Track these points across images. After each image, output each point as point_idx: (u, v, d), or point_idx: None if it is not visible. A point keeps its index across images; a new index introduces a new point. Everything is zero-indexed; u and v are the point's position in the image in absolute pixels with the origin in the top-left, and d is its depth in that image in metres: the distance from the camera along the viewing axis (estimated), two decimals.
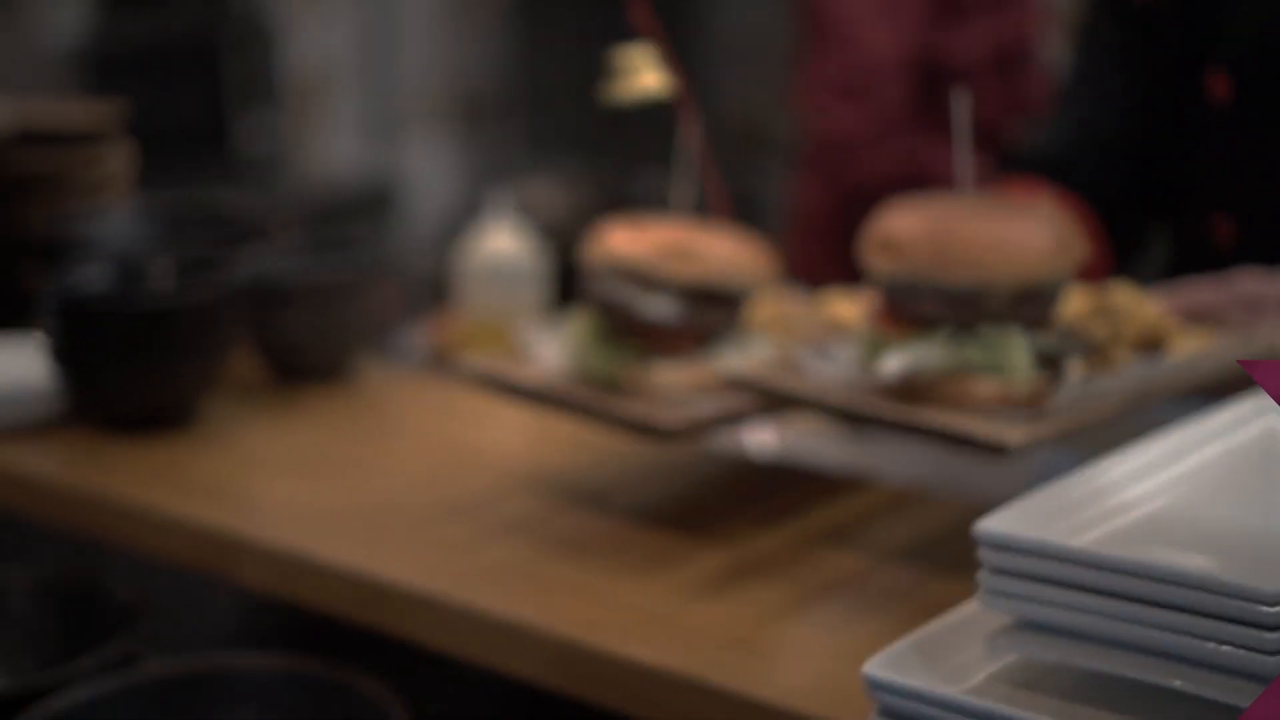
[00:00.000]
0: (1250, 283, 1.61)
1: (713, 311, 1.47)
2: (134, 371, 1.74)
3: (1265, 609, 0.87)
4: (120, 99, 2.24)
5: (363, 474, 1.65)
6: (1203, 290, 1.62)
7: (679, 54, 1.55)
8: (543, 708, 1.42)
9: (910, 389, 1.35)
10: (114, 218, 2.10)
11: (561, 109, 5.51)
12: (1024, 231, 1.34)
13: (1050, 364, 1.34)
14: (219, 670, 1.39)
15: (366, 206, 5.02)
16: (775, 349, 1.52)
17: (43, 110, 2.20)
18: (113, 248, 1.96)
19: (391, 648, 1.42)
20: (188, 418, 1.81)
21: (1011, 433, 1.27)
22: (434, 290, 4.41)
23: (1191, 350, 1.48)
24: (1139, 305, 1.52)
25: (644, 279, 1.45)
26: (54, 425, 1.81)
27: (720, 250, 1.47)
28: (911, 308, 1.36)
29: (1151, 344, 1.50)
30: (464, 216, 4.73)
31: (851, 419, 1.38)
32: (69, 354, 1.76)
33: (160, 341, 1.74)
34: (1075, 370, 1.36)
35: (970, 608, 1.07)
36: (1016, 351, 1.32)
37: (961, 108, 1.39)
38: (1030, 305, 1.35)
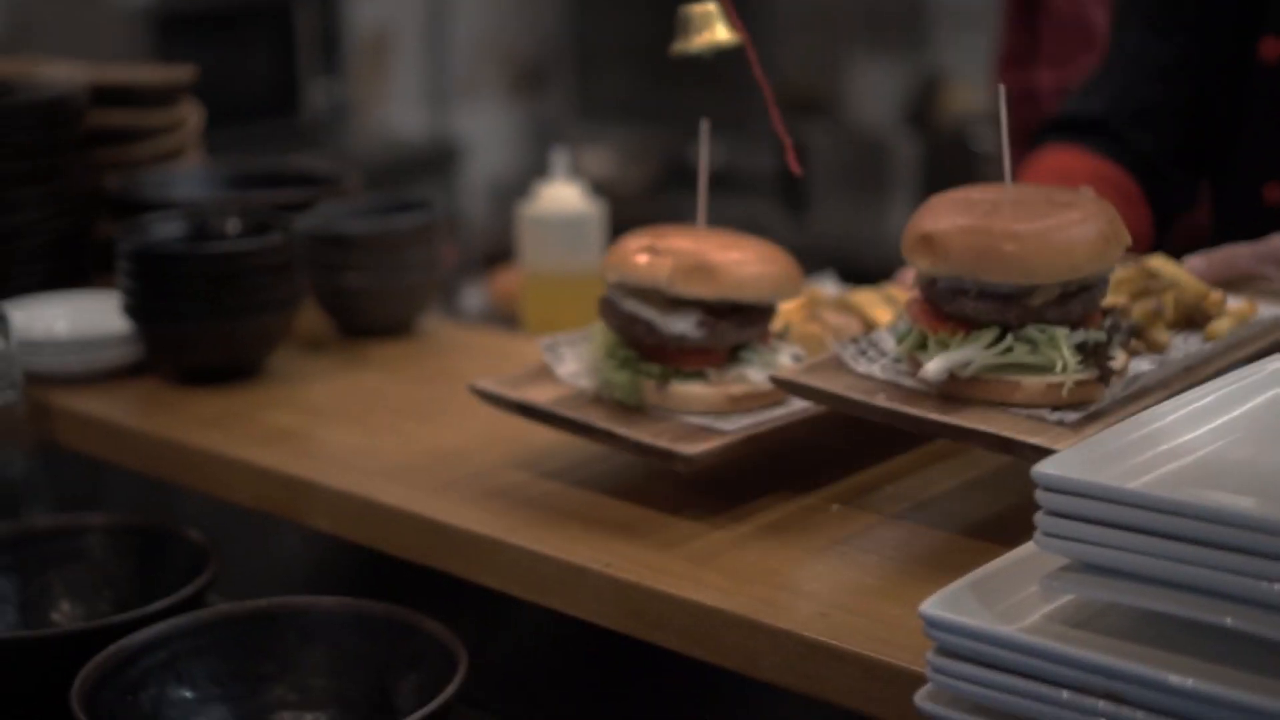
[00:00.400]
0: None
1: (735, 327, 1.45)
2: (206, 321, 1.79)
3: None
4: (190, 62, 2.28)
5: (425, 423, 1.68)
6: (1237, 253, 1.60)
7: (741, 19, 1.54)
8: (598, 648, 1.45)
9: (955, 389, 1.32)
10: (186, 175, 2.15)
11: (613, 75, 5.53)
12: (1068, 227, 1.31)
13: (1097, 357, 1.32)
14: (287, 611, 1.43)
15: (429, 168, 5.06)
16: (804, 357, 1.49)
17: (115, 72, 2.24)
18: (185, 204, 2.00)
19: (453, 590, 1.46)
20: (257, 369, 1.86)
21: (1059, 440, 1.24)
22: (494, 250, 4.45)
23: (1232, 325, 1.46)
24: (1180, 278, 1.51)
25: (664, 299, 1.43)
26: (129, 375, 1.86)
27: (741, 264, 1.44)
28: (954, 307, 1.33)
29: (1196, 318, 1.49)
30: (521, 178, 4.76)
31: (898, 424, 1.34)
32: (143, 304, 1.81)
33: (231, 292, 1.78)
34: (1120, 361, 1.34)
35: (1026, 550, 1.09)
36: (1063, 349, 1.30)
37: (1003, 101, 1.37)
38: (1076, 301, 1.32)
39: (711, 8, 1.49)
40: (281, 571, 1.90)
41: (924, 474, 1.48)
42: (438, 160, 5.20)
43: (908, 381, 1.36)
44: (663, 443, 1.38)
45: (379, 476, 1.52)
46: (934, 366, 1.32)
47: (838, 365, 1.41)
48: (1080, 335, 1.32)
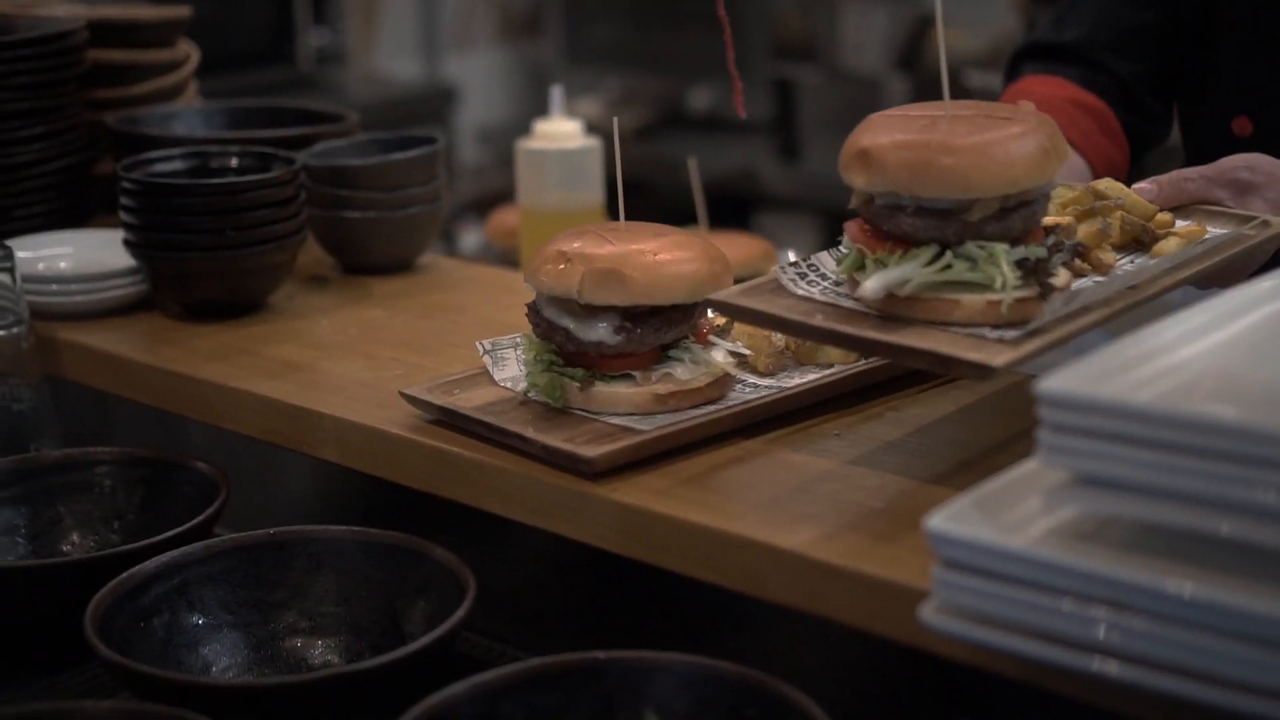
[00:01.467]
0: (1239, 167, 1.60)
1: (653, 330, 1.43)
2: (210, 255, 1.79)
3: None
4: (187, 4, 2.28)
5: (428, 355, 1.69)
6: (1187, 176, 1.60)
7: None
8: (603, 572, 1.47)
9: (894, 308, 1.31)
10: (186, 112, 2.15)
11: (605, 21, 5.51)
12: (1007, 140, 1.29)
13: (1037, 273, 1.30)
14: (296, 539, 1.45)
15: (423, 115, 5.04)
16: (744, 350, 1.48)
17: (113, 10, 2.24)
18: (187, 139, 2.00)
19: (459, 517, 1.48)
20: (261, 304, 1.87)
21: (997, 356, 1.23)
22: (487, 195, 4.46)
23: (1179, 246, 1.46)
24: (1128, 198, 1.50)
25: (578, 305, 1.42)
26: (134, 310, 1.87)
27: (654, 267, 1.41)
28: (892, 225, 1.31)
29: (1144, 239, 1.49)
30: (515, 124, 4.75)
31: (836, 342, 1.34)
32: (147, 238, 1.81)
33: (234, 225, 1.79)
34: (1063, 279, 1.33)
35: (1028, 466, 1.11)
36: (1002, 266, 1.28)
37: (939, 12, 1.38)
38: (1016, 216, 1.31)
39: None
40: (290, 502, 1.92)
41: (925, 401, 1.50)
42: (431, 107, 5.18)
43: (847, 303, 1.36)
44: (569, 446, 1.36)
45: (384, 407, 1.54)
46: (871, 285, 1.31)
47: (776, 288, 1.39)
48: (1020, 252, 1.31)
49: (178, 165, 1.90)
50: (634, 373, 1.43)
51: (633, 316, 1.42)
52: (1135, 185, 1.57)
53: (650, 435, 1.38)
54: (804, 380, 1.49)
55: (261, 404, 1.61)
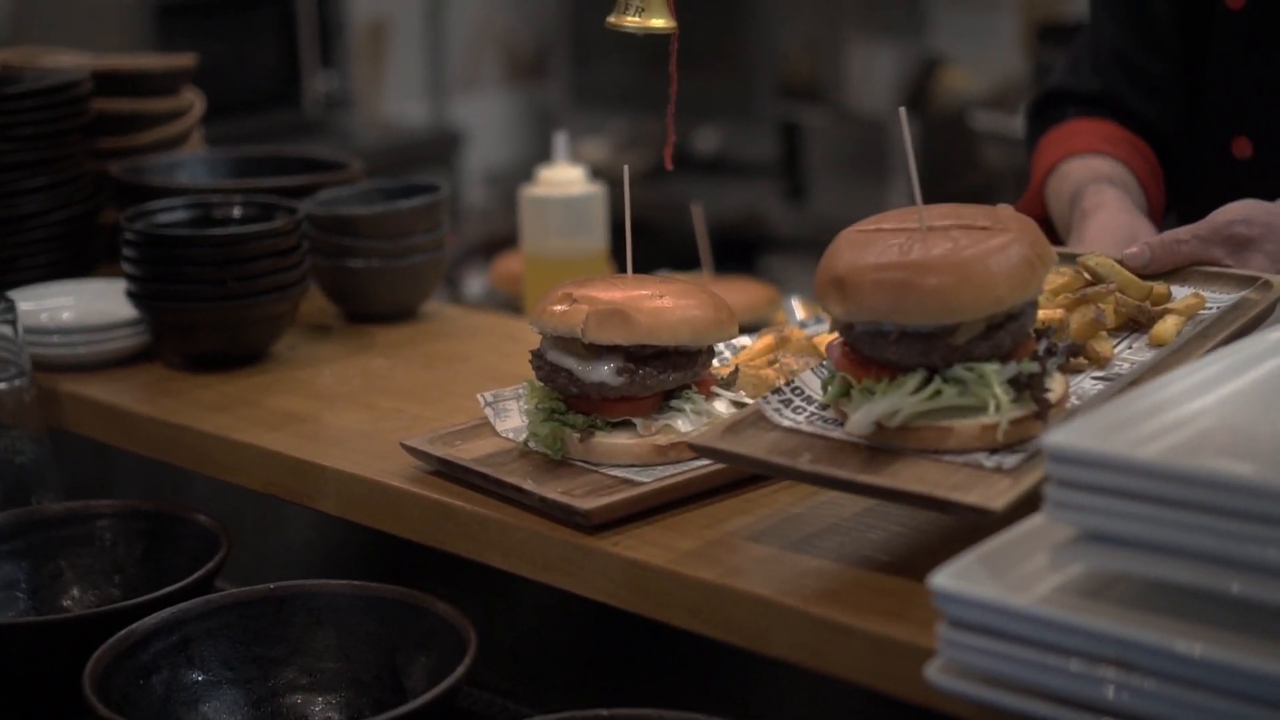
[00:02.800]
0: (1233, 221, 1.54)
1: (657, 373, 1.41)
2: (212, 305, 1.79)
3: None
4: (186, 48, 2.28)
5: (431, 405, 1.68)
6: (1178, 240, 1.53)
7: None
8: (607, 627, 1.46)
9: (885, 438, 1.23)
10: (190, 161, 2.15)
11: (611, 63, 5.53)
12: (988, 256, 1.21)
13: (1032, 389, 1.23)
14: (296, 594, 1.44)
15: (429, 158, 5.06)
16: (748, 400, 1.45)
17: (118, 60, 2.25)
18: (190, 189, 2.00)
19: (461, 571, 1.46)
20: (263, 354, 1.86)
21: (996, 494, 1.15)
22: (493, 238, 4.46)
23: (1178, 325, 1.39)
24: (1120, 277, 1.44)
25: (584, 347, 1.41)
26: (136, 361, 1.86)
27: (659, 310, 1.40)
28: (876, 352, 1.24)
29: (1141, 319, 1.41)
30: (521, 167, 4.76)
31: (825, 486, 1.25)
32: (149, 288, 1.81)
33: (236, 276, 1.79)
34: (1059, 388, 1.26)
35: (1034, 522, 1.09)
36: (994, 388, 1.21)
37: (904, 122, 1.30)
38: (1004, 333, 1.23)
39: None
40: (291, 555, 1.91)
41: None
42: (438, 150, 5.20)
43: (836, 432, 1.28)
44: (566, 498, 1.35)
45: (386, 459, 1.53)
46: (857, 420, 1.24)
47: (759, 420, 1.32)
48: (1012, 369, 1.23)
49: (180, 215, 1.90)
50: (635, 421, 1.42)
51: (636, 358, 1.42)
52: (1128, 255, 1.52)
53: (649, 488, 1.37)
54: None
55: (263, 456, 1.60)
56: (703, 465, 1.41)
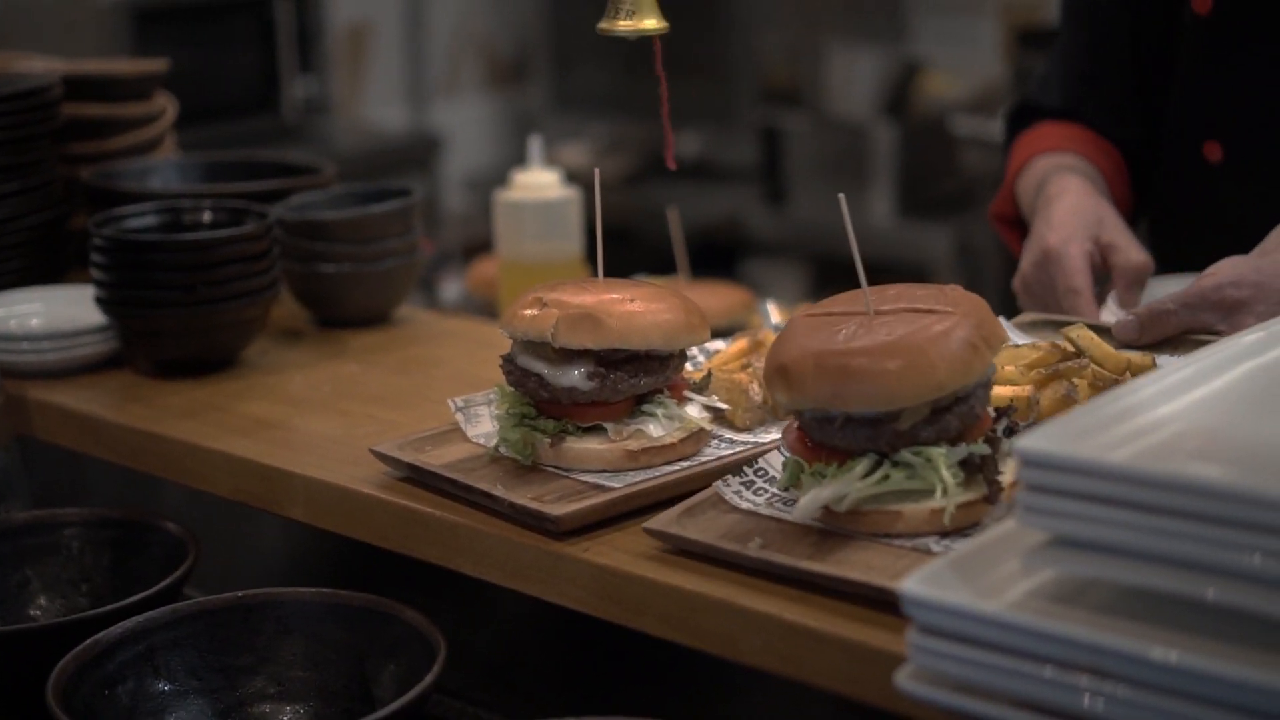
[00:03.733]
0: (1223, 285, 1.52)
1: (628, 378, 1.40)
2: (181, 311, 1.77)
3: None
4: (164, 54, 2.26)
5: (404, 411, 1.67)
6: (1165, 309, 1.52)
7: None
8: (577, 634, 1.44)
9: (835, 521, 1.24)
10: (161, 166, 2.14)
11: (591, 68, 5.51)
12: (929, 344, 1.20)
13: (984, 471, 1.22)
14: (264, 602, 1.42)
15: (409, 162, 5.04)
16: (724, 405, 1.45)
17: (90, 64, 2.23)
18: (160, 194, 1.98)
19: (431, 578, 1.45)
20: (234, 360, 1.84)
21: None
22: (472, 242, 4.44)
23: None
24: (1098, 351, 1.42)
25: (555, 351, 1.40)
26: (105, 368, 1.85)
27: (630, 314, 1.39)
28: (823, 437, 1.24)
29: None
30: (500, 171, 4.75)
31: (770, 572, 1.22)
32: (118, 295, 1.79)
33: (206, 282, 1.77)
34: (1012, 473, 1.24)
35: (1006, 527, 1.08)
36: (941, 471, 1.21)
37: (845, 209, 1.29)
38: (951, 416, 1.22)
39: None
40: (261, 562, 1.89)
41: None
42: (418, 155, 5.18)
43: (791, 515, 1.27)
44: (536, 504, 1.34)
45: (356, 465, 1.51)
46: (804, 505, 1.24)
47: (718, 503, 1.32)
48: (962, 451, 1.22)
49: (150, 220, 1.88)
50: (606, 426, 1.41)
51: (607, 362, 1.40)
52: (1116, 326, 1.52)
53: (620, 493, 1.36)
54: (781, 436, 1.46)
55: (232, 463, 1.58)
56: (675, 470, 1.40)
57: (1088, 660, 0.96)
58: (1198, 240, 1.61)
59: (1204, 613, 0.96)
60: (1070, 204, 1.74)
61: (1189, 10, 1.81)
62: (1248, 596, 0.92)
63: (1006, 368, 1.40)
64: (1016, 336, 1.54)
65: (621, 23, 1.48)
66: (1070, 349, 1.43)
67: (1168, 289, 1.60)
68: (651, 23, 1.48)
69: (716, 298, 2.22)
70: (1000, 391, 1.34)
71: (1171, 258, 1.83)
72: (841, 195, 1.31)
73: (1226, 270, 1.54)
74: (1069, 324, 1.49)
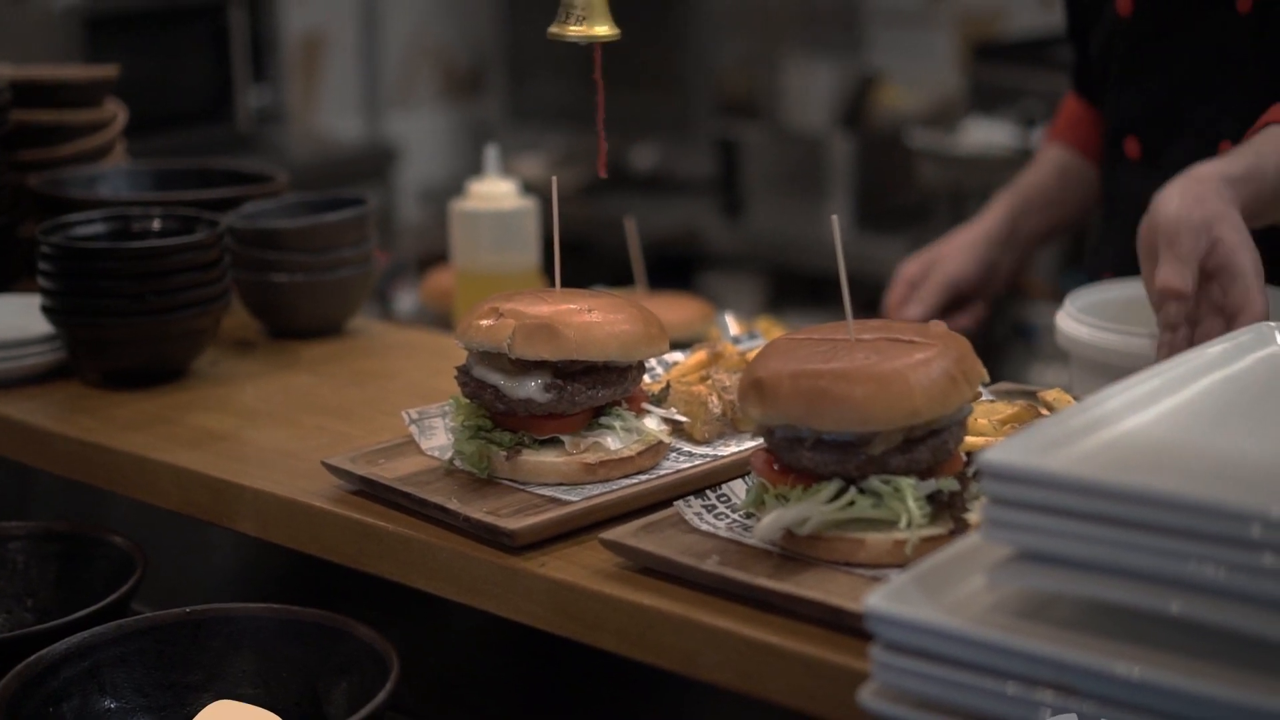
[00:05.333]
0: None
1: (585, 389, 1.38)
2: (129, 321, 1.74)
3: (1258, 531, 0.88)
4: (118, 62, 2.23)
5: (356, 424, 1.65)
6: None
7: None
8: (534, 651, 1.42)
9: (796, 546, 1.22)
10: (111, 174, 2.10)
11: (547, 79, 5.50)
12: (907, 370, 1.19)
13: (951, 508, 1.21)
14: (213, 617, 1.39)
15: (364, 173, 5.01)
16: (682, 418, 1.44)
17: (39, 70, 2.19)
18: (109, 201, 1.95)
19: (384, 594, 1.43)
20: (184, 371, 1.81)
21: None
22: (427, 254, 4.41)
23: None
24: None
25: (511, 362, 1.38)
26: (52, 379, 1.81)
27: (587, 325, 1.37)
28: (792, 458, 1.22)
29: None
30: (456, 182, 4.73)
31: (726, 589, 1.21)
32: (64, 304, 1.76)
33: (155, 291, 1.74)
34: (978, 511, 1.18)
35: (970, 542, 1.07)
36: (908, 502, 1.19)
37: (836, 231, 1.28)
38: (923, 447, 1.21)
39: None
40: (210, 577, 1.86)
41: None
42: (373, 166, 5.15)
43: (752, 540, 1.25)
44: (491, 518, 1.32)
45: (307, 478, 1.49)
46: (766, 525, 1.21)
47: (678, 523, 1.30)
48: (931, 485, 1.21)
49: (98, 229, 1.85)
50: (563, 438, 1.39)
51: (564, 374, 1.38)
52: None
53: (578, 507, 1.34)
54: (741, 448, 1.44)
55: (180, 475, 1.55)
56: (632, 484, 1.38)
57: (1052, 676, 0.95)
58: (1131, 234, 1.61)
59: (1169, 627, 0.95)
60: (960, 240, 2.12)
61: (1110, 10, 1.88)
62: (1212, 610, 0.91)
63: (980, 420, 1.39)
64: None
65: (572, 28, 1.46)
66: (1045, 411, 1.42)
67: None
68: (603, 29, 1.46)
69: (675, 309, 2.20)
70: (971, 441, 1.32)
71: (1122, 252, 1.84)
72: (834, 217, 1.30)
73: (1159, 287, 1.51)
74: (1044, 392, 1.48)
